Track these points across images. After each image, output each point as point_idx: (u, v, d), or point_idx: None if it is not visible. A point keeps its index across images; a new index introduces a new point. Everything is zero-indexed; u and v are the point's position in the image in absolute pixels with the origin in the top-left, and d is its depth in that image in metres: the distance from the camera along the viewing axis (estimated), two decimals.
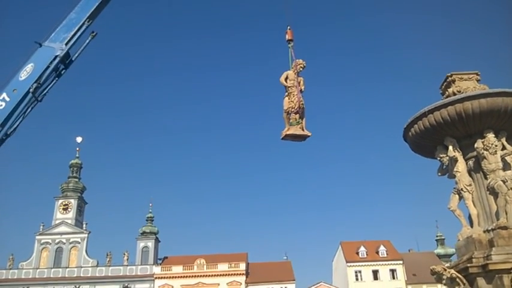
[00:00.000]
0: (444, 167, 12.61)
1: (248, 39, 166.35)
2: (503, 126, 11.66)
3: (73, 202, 74.23)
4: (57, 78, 16.29)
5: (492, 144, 11.45)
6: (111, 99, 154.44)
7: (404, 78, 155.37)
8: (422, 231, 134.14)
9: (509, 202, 10.94)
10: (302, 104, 13.79)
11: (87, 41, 16.62)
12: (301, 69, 14.10)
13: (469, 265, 10.48)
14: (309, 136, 14.00)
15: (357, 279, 71.26)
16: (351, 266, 71.67)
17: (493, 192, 11.27)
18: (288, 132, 13.75)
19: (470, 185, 11.83)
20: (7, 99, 14.91)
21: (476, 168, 11.90)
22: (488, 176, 11.49)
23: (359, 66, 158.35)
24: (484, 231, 11.23)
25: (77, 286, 67.32)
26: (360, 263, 72.04)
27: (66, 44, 15.93)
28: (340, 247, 75.72)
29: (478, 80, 12.74)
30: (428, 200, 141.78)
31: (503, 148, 11.62)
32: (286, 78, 14.02)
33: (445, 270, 10.95)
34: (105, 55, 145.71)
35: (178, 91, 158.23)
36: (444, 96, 12.92)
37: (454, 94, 12.33)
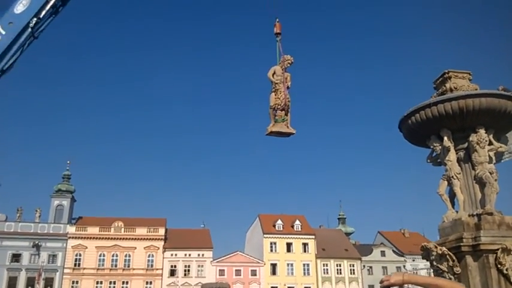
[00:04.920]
0: (434, 155, 13.87)
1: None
2: (493, 125, 12.99)
3: None
4: (54, 15, 15.22)
5: (483, 139, 12.78)
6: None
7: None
8: (330, 209, 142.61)
9: (493, 192, 12.41)
10: (288, 101, 13.87)
11: None
12: (288, 65, 14.07)
13: (461, 244, 11.80)
14: (293, 133, 14.12)
15: (271, 251, 74.30)
16: (267, 237, 74.53)
17: (480, 181, 12.63)
18: (273, 129, 13.80)
19: (459, 173, 13.16)
20: (2, 32, 13.80)
21: (466, 159, 13.21)
22: (476, 167, 12.83)
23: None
24: (469, 215, 12.64)
25: None
26: (276, 235, 75.11)
27: None
28: (258, 219, 78.23)
29: (470, 80, 14.04)
30: (336, 182, 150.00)
31: (490, 144, 13.01)
32: (273, 74, 13.94)
33: (436, 247, 12.20)
34: None
35: (112, 41, 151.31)
36: (439, 90, 14.07)
37: (451, 89, 13.48)
